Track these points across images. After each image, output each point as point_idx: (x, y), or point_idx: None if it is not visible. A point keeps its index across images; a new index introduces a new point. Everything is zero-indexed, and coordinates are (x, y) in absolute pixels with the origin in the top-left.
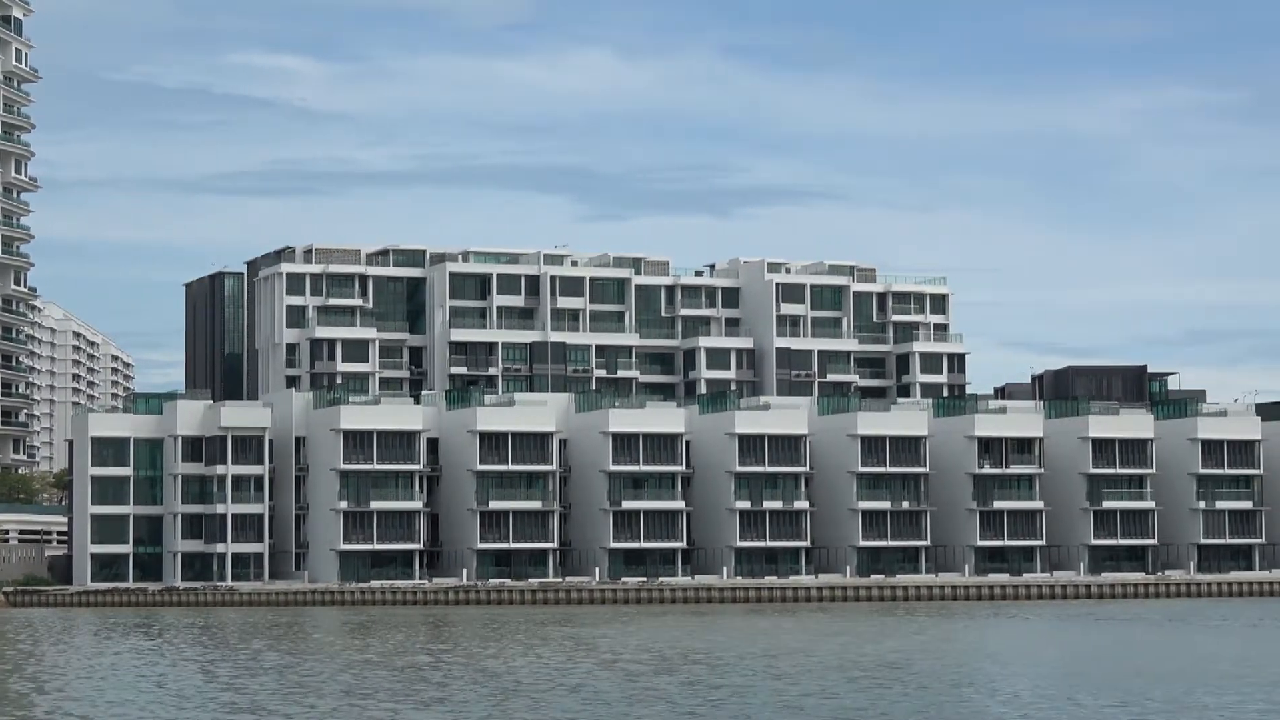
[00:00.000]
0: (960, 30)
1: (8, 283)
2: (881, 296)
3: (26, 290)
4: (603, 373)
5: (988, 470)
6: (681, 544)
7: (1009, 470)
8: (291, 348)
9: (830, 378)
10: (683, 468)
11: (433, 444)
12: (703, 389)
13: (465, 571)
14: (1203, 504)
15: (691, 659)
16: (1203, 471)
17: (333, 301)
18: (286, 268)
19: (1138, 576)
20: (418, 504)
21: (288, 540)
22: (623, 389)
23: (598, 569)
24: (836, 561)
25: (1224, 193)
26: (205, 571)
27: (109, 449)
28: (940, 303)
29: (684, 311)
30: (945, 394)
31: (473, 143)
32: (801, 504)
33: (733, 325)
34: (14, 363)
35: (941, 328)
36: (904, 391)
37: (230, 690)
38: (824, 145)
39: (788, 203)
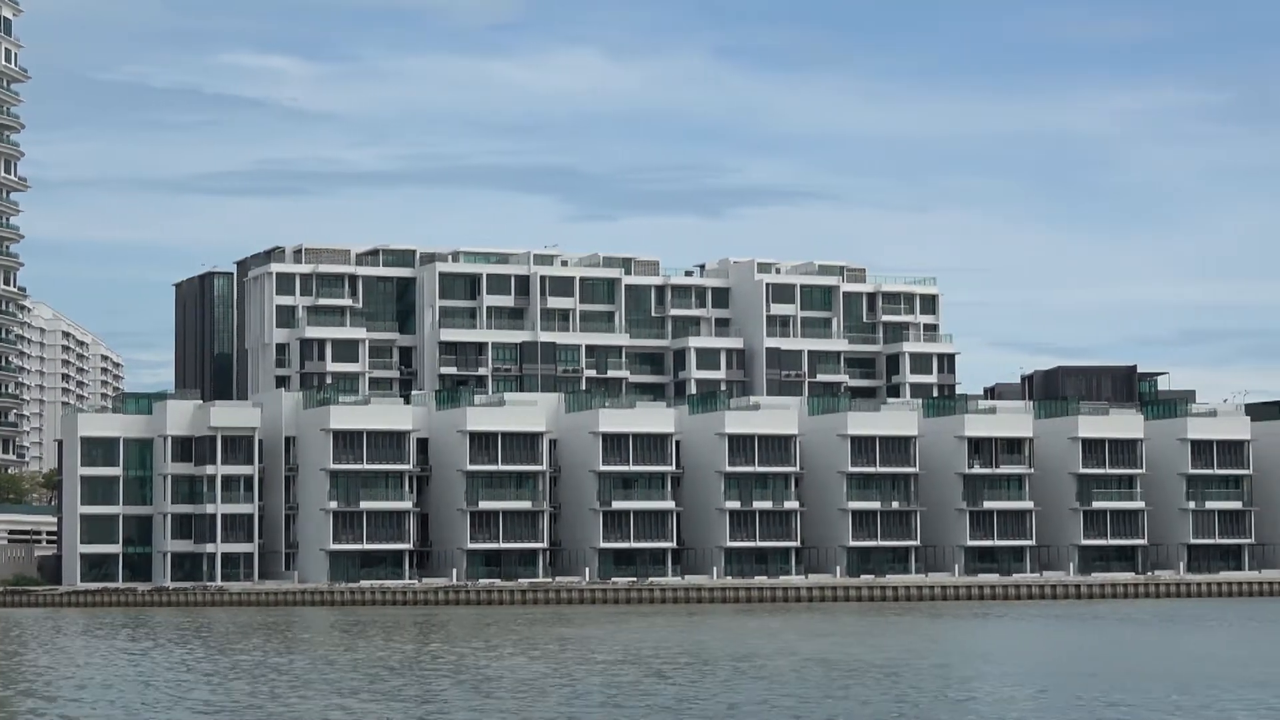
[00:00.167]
0: (952, 30)
1: None
2: (871, 297)
3: (16, 290)
4: (592, 373)
5: (977, 470)
6: (671, 544)
7: (999, 470)
8: (281, 348)
9: (820, 378)
10: (673, 468)
11: (422, 444)
12: (692, 389)
13: (455, 571)
14: (1192, 504)
15: (671, 659)
16: (1192, 472)
17: (322, 301)
18: (276, 268)
19: (1127, 577)
20: (407, 504)
21: (277, 540)
22: (612, 389)
23: (588, 569)
24: (826, 561)
25: (1216, 193)
26: (195, 571)
27: (98, 449)
28: (930, 303)
29: (674, 311)
30: (935, 394)
31: (462, 143)
32: (791, 504)
33: (722, 325)
34: (3, 362)
35: (931, 328)
36: (894, 392)
37: (212, 689)
38: (814, 145)
39: (778, 203)
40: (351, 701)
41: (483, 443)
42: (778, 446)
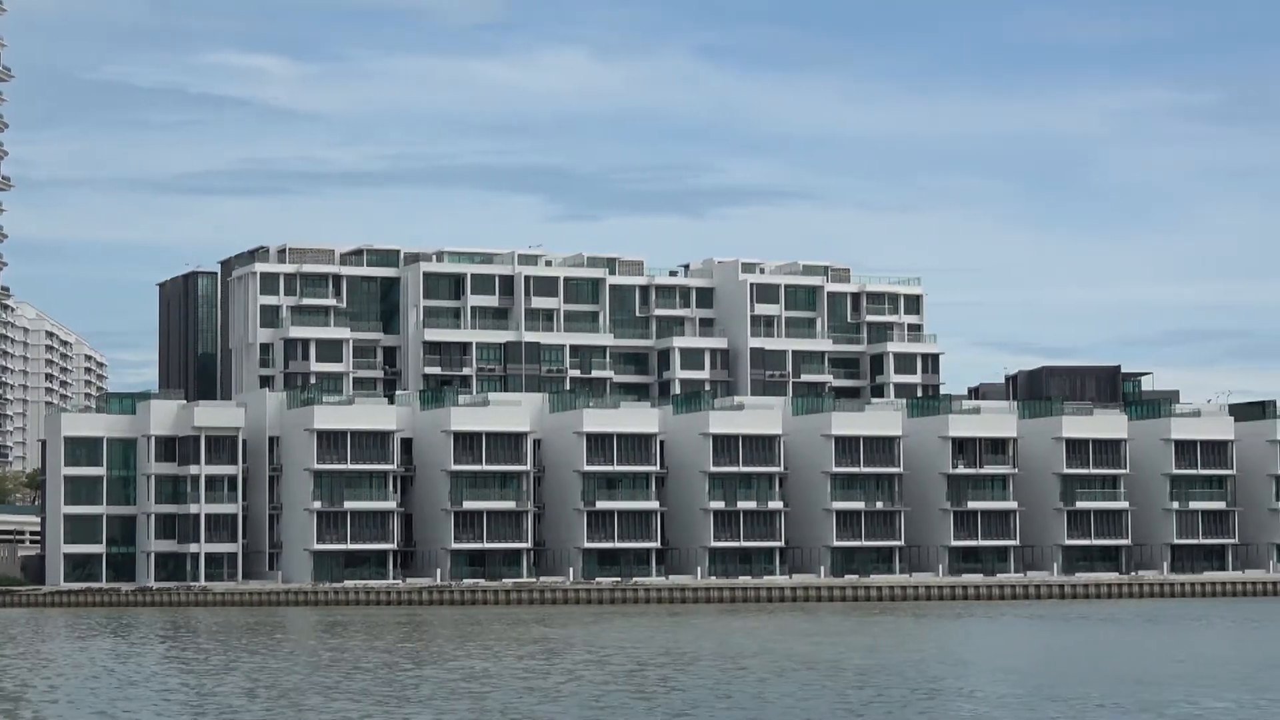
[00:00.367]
0: (938, 30)
1: None
2: (856, 297)
3: None
4: (577, 373)
5: (962, 470)
6: (656, 544)
7: (983, 470)
8: (265, 347)
9: (804, 378)
10: (657, 468)
11: (407, 444)
12: (677, 389)
13: (439, 572)
14: (1176, 504)
15: (646, 660)
16: (1176, 472)
17: (306, 301)
18: (260, 267)
19: (1111, 577)
20: (391, 504)
21: (261, 540)
22: (597, 389)
23: (572, 569)
24: (811, 562)
25: (1202, 194)
26: (179, 571)
27: (82, 449)
28: (914, 303)
29: (658, 311)
30: (919, 394)
31: (447, 143)
32: (775, 504)
33: (707, 325)
34: None
35: (916, 328)
36: (878, 392)
37: (193, 689)
38: (798, 145)
39: (762, 203)
40: (337, 704)
41: (467, 443)
42: (762, 447)
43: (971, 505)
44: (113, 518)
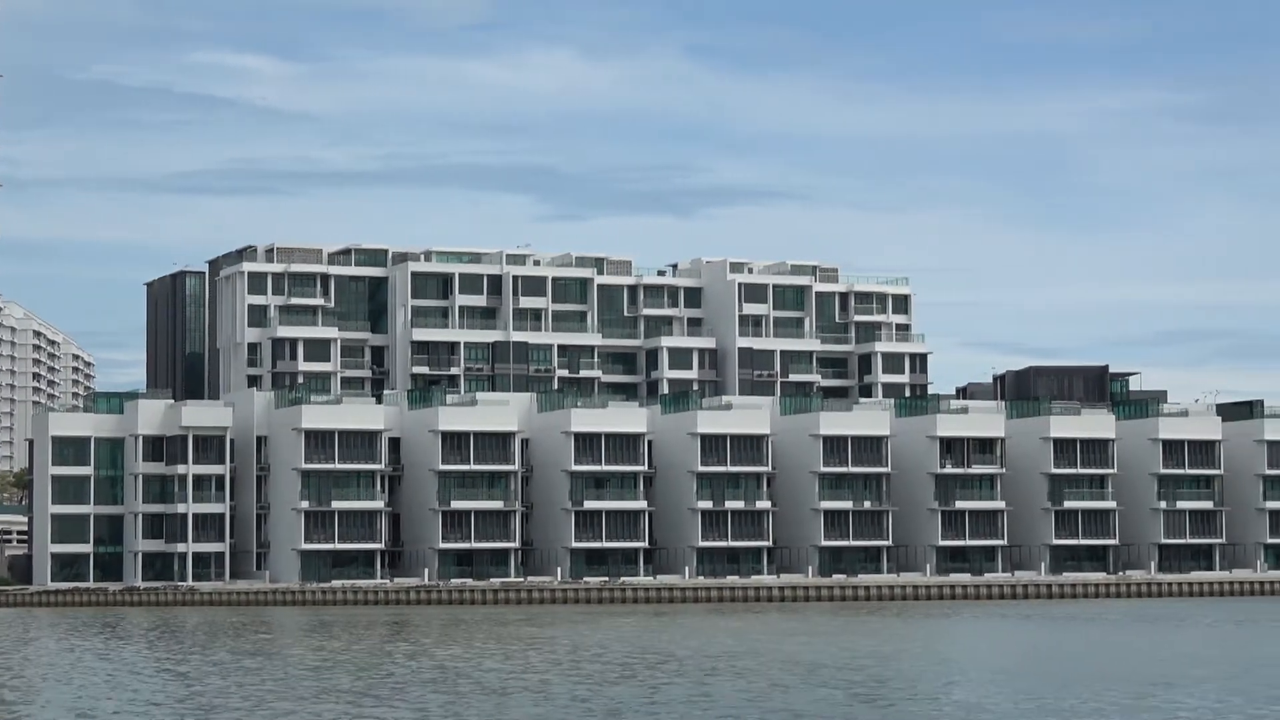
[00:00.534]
0: (927, 31)
1: None
2: (844, 296)
3: None
4: (565, 372)
5: (949, 470)
6: (643, 544)
7: (970, 470)
8: (253, 347)
9: (792, 378)
10: (645, 467)
11: (394, 443)
12: (665, 389)
13: (427, 571)
14: (1163, 504)
15: (628, 660)
16: (1163, 471)
17: (294, 301)
18: (248, 267)
19: (1099, 576)
20: (379, 504)
21: (249, 540)
22: (585, 389)
23: (559, 569)
24: (798, 561)
25: (1190, 194)
26: (166, 571)
27: (69, 448)
28: (902, 303)
29: (646, 311)
30: (907, 394)
31: (435, 142)
32: (763, 504)
33: (695, 325)
34: None
35: (903, 328)
36: (866, 391)
37: (183, 688)
38: (787, 146)
39: (750, 203)
40: (322, 705)
41: (455, 442)
42: (750, 446)
43: (959, 505)
44: (100, 517)
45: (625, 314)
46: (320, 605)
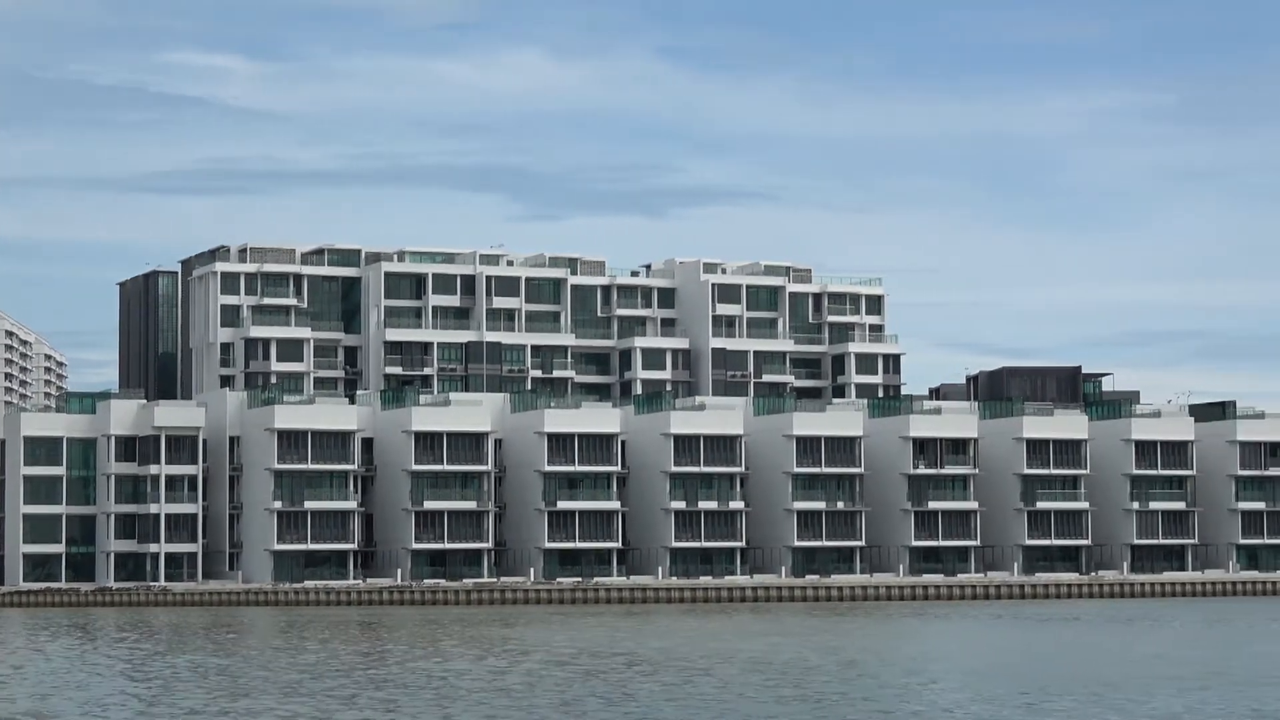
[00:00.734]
0: (898, 32)
1: None
2: (817, 297)
3: None
4: (538, 373)
5: (922, 471)
6: (617, 544)
7: (944, 471)
8: (226, 347)
9: (766, 378)
10: (618, 468)
11: (367, 444)
12: (638, 389)
13: (400, 572)
14: (1136, 505)
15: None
16: (1136, 472)
17: (267, 301)
18: (221, 267)
19: (1071, 577)
20: (352, 504)
21: (221, 540)
22: (558, 389)
23: (533, 569)
24: (771, 562)
25: (1161, 195)
26: (138, 571)
27: (41, 448)
28: (876, 303)
29: (619, 312)
30: (880, 394)
31: (407, 142)
32: (736, 504)
33: (668, 325)
34: None
35: (877, 328)
36: (839, 392)
37: (143, 686)
38: (759, 146)
39: (723, 203)
40: (301, 705)
41: (428, 443)
42: (723, 447)
43: (932, 505)
44: (72, 517)
45: (599, 314)
46: (293, 606)
